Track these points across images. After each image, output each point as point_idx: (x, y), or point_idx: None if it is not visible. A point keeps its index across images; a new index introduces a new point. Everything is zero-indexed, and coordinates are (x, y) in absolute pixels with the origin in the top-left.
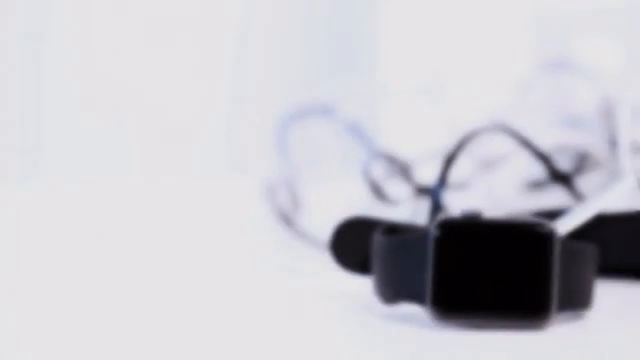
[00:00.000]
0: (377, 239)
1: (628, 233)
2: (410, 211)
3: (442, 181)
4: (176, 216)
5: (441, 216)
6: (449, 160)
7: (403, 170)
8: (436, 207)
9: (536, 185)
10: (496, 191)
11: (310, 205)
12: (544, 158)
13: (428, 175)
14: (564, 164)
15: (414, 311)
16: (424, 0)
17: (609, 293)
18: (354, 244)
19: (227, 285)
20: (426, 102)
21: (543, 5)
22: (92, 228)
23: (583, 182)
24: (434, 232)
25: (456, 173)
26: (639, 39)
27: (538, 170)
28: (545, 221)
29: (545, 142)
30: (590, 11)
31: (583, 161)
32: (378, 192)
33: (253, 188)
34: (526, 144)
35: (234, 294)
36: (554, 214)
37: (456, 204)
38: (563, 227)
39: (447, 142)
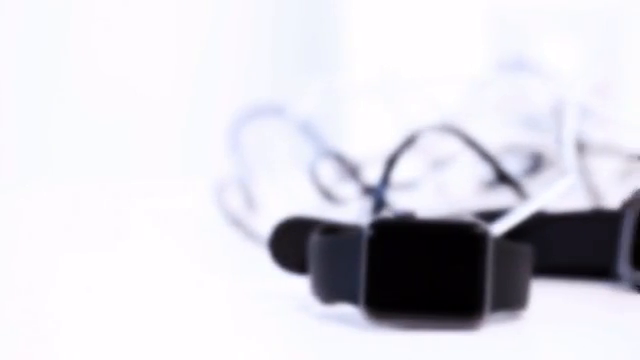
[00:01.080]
0: (313, 239)
1: (570, 233)
2: (358, 211)
3: (384, 181)
4: (127, 217)
5: (376, 216)
6: (391, 160)
7: (351, 170)
8: (378, 206)
9: (490, 185)
10: (448, 190)
11: (264, 205)
12: (490, 159)
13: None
14: (519, 164)
15: (351, 311)
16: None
17: (547, 293)
18: (293, 244)
19: (168, 284)
20: (381, 102)
21: (501, 5)
22: (43, 230)
23: (537, 182)
24: (367, 232)
25: (407, 172)
26: (596, 40)
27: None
28: (479, 221)
29: (499, 142)
30: (548, 12)
31: (537, 161)
32: (324, 192)
33: (206, 189)
34: (472, 145)
35: (174, 293)
36: (499, 214)
37: (405, 203)
38: (499, 227)
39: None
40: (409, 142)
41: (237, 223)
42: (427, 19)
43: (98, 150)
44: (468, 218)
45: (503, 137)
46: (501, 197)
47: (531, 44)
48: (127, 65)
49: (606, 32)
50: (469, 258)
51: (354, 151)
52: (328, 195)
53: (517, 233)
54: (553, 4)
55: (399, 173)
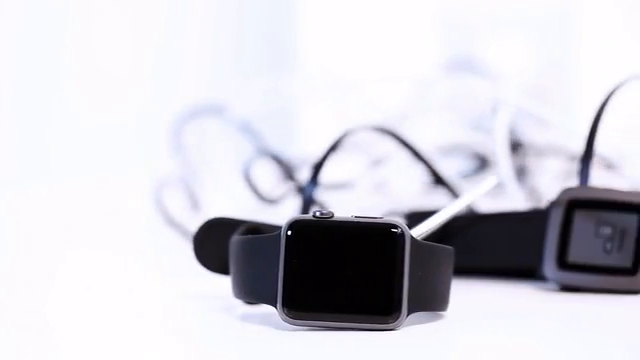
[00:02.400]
0: (233, 240)
1: (498, 233)
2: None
3: (313, 181)
4: (67, 217)
5: (294, 216)
6: (320, 161)
7: (287, 170)
8: (307, 206)
9: (433, 185)
10: (389, 191)
11: (207, 205)
12: (423, 160)
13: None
14: (465, 164)
15: (274, 311)
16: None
17: (470, 292)
18: (216, 245)
19: (99, 283)
20: (326, 102)
21: (451, 6)
22: None
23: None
24: (284, 232)
25: (348, 173)
26: (544, 40)
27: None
28: (397, 221)
29: (444, 142)
30: (497, 12)
31: (483, 162)
32: (257, 193)
33: (149, 189)
34: (406, 146)
35: (100, 293)
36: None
37: (340, 203)
38: (422, 228)
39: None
40: (337, 143)
41: (174, 223)
42: (377, 19)
43: (37, 152)
44: (387, 218)
45: (448, 137)
46: (443, 197)
47: (480, 44)
48: (69, 66)
49: (555, 32)
50: (387, 258)
51: (299, 151)
52: (261, 196)
53: (448, 233)
54: (502, 5)
55: (339, 173)
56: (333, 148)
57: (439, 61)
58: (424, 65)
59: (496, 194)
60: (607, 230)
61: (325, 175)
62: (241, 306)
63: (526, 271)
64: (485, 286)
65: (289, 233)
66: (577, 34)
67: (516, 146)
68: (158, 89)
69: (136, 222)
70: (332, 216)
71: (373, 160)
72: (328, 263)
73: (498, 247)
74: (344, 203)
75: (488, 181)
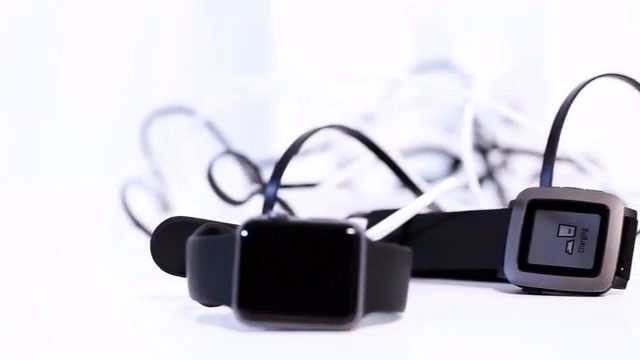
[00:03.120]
0: (189, 240)
1: (461, 233)
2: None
3: (274, 180)
4: (32, 220)
5: (249, 217)
6: (282, 161)
7: (253, 170)
8: (268, 206)
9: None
10: (358, 191)
11: (177, 206)
12: (388, 161)
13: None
14: (439, 165)
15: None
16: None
17: (430, 293)
18: (173, 246)
19: (55, 285)
20: (298, 101)
21: (426, 5)
22: None
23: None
24: (239, 233)
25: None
26: (518, 41)
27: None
28: (353, 222)
29: (416, 142)
30: (472, 12)
31: (457, 162)
32: (220, 193)
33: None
34: (370, 146)
35: (58, 294)
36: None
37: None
38: (379, 229)
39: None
40: (299, 143)
41: (140, 225)
42: (350, 19)
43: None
44: (343, 219)
45: (420, 138)
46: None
47: (453, 44)
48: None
49: (528, 32)
50: (342, 259)
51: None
52: (224, 197)
53: (410, 234)
54: (475, 5)
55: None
56: (294, 148)
57: (411, 61)
58: (396, 65)
59: (467, 196)
60: (568, 231)
61: (293, 175)
62: (199, 308)
63: (488, 272)
64: (445, 287)
65: (244, 234)
66: (550, 34)
67: (488, 147)
68: (126, 89)
69: (103, 224)
70: (287, 217)
71: (341, 160)
72: (283, 264)
73: (459, 248)
74: (310, 203)
75: (447, 182)
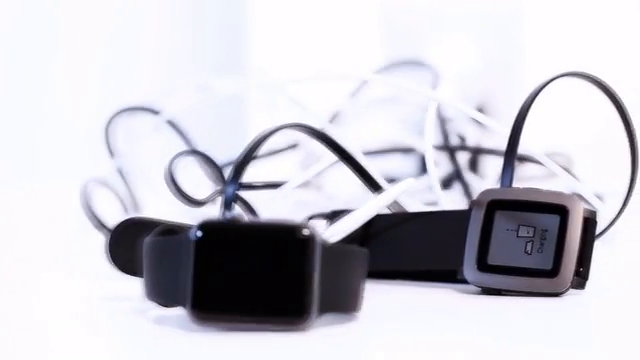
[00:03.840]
0: (145, 241)
1: (421, 234)
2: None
3: (234, 180)
4: None
5: (203, 218)
6: (242, 161)
7: (217, 170)
8: (227, 206)
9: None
10: (327, 191)
11: (144, 207)
12: (352, 161)
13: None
14: (408, 166)
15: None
16: None
17: (388, 294)
18: (132, 246)
19: (12, 286)
20: (264, 101)
21: (397, 4)
22: None
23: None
24: (193, 234)
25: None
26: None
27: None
28: (306, 224)
29: (387, 142)
30: (443, 11)
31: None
32: (181, 193)
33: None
34: (332, 146)
35: (14, 295)
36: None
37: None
38: (335, 230)
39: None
40: (259, 143)
41: (103, 225)
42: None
43: None
44: (297, 221)
45: (388, 138)
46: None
47: (423, 44)
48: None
49: (499, 32)
50: (295, 260)
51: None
52: (185, 197)
53: (371, 234)
54: (449, 4)
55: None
56: (254, 148)
57: (382, 60)
58: (367, 64)
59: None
60: (528, 231)
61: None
62: (155, 308)
63: (448, 273)
64: (403, 288)
65: (197, 235)
66: (521, 33)
67: (455, 147)
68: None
69: (66, 225)
70: (242, 219)
71: (308, 160)
72: (237, 265)
73: (419, 249)
74: (276, 203)
75: (405, 182)
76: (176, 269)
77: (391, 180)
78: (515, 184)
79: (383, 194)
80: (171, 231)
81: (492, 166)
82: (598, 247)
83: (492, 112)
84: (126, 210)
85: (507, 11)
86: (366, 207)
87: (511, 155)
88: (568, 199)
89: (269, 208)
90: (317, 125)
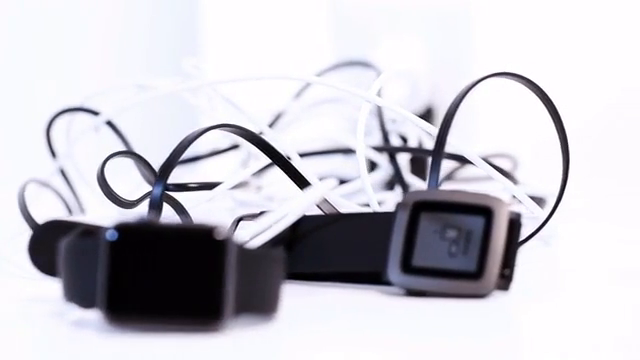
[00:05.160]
0: (63, 243)
1: (346, 236)
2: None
3: (160, 182)
4: None
5: (118, 220)
6: (168, 163)
7: (148, 170)
8: (153, 208)
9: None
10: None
11: (84, 209)
12: (281, 162)
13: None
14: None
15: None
16: None
17: (307, 296)
18: (51, 247)
19: None
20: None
21: (347, 4)
22: None
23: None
24: (108, 235)
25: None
26: (440, 40)
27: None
28: (222, 226)
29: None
30: (394, 11)
31: (372, 165)
32: (111, 194)
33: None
34: (262, 147)
35: None
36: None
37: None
38: (252, 230)
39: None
40: (186, 145)
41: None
42: (268, 18)
43: None
44: (214, 223)
45: (330, 138)
46: None
47: (375, 42)
48: None
49: (451, 31)
50: (209, 262)
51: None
52: (115, 198)
53: (298, 235)
54: (399, 3)
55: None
56: (180, 149)
57: (331, 60)
58: (315, 64)
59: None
60: (453, 233)
61: (194, 176)
62: (74, 311)
63: (374, 275)
64: (327, 290)
65: (111, 237)
66: (470, 33)
67: (396, 149)
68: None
69: (5, 228)
70: (157, 220)
71: (247, 160)
72: (152, 267)
73: (345, 250)
74: (207, 204)
75: (324, 184)
76: (91, 271)
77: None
78: (455, 185)
79: (301, 196)
80: (90, 232)
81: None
82: (537, 248)
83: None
84: (70, 211)
85: (457, 10)
86: (280, 209)
87: (438, 156)
88: (493, 201)
89: (204, 209)
90: (256, 126)
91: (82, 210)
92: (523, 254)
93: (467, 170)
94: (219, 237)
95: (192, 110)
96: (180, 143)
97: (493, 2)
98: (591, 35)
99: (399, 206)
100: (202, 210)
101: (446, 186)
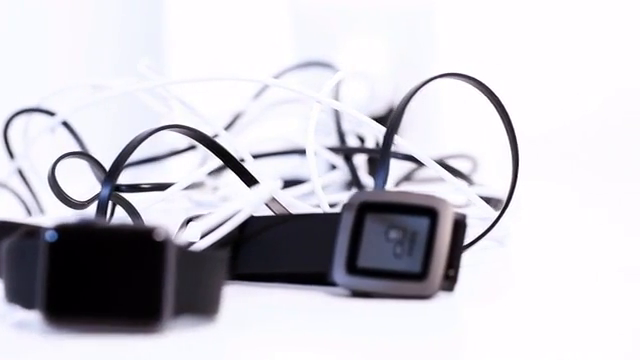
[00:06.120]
0: (3, 244)
1: (292, 237)
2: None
3: (108, 182)
4: None
5: (58, 221)
6: (116, 164)
7: (100, 171)
8: (100, 209)
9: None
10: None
11: (39, 211)
12: (233, 162)
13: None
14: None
15: None
16: None
17: (250, 297)
18: None
19: None
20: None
21: (309, 4)
22: None
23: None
24: (47, 236)
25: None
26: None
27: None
28: (161, 227)
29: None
30: (356, 11)
31: (333, 167)
32: (61, 195)
33: None
34: (213, 148)
35: None
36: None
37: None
38: (194, 232)
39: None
40: (135, 144)
41: None
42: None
43: None
44: (154, 224)
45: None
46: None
47: (337, 43)
48: None
49: (413, 31)
50: (147, 263)
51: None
52: (64, 199)
53: (247, 236)
54: (361, 4)
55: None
56: (129, 150)
57: (293, 61)
58: (276, 65)
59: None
60: (398, 234)
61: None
62: (17, 311)
63: (320, 276)
64: (272, 290)
65: (49, 238)
66: (433, 34)
67: (352, 151)
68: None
69: None
70: (97, 221)
71: (202, 161)
72: (91, 268)
73: (292, 251)
74: (161, 205)
75: (269, 183)
76: (34, 271)
77: (290, 182)
78: (413, 186)
79: (245, 196)
80: (33, 233)
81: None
82: (491, 249)
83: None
84: (29, 212)
85: (419, 10)
86: (224, 209)
87: (385, 157)
88: (438, 202)
89: (160, 210)
90: (211, 127)
91: (41, 211)
92: (476, 255)
93: (426, 171)
94: (158, 238)
95: (153, 112)
96: (129, 144)
97: (455, 2)
98: (551, 35)
99: (345, 207)
100: (157, 211)
101: (404, 187)
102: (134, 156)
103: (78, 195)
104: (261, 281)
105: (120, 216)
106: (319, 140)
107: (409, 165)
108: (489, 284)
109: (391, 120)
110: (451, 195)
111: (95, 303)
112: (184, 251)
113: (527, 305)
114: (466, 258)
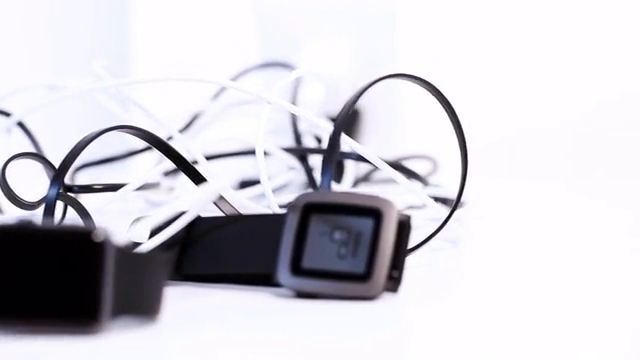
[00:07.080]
0: None
1: (238, 238)
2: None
3: (55, 183)
4: None
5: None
6: (64, 162)
7: (52, 171)
8: (47, 210)
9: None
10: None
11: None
12: (183, 162)
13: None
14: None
15: None
16: None
17: (193, 298)
18: None
19: None
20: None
21: (273, 5)
22: None
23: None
24: None
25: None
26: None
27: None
28: (100, 228)
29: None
30: (321, 12)
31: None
32: (10, 195)
33: None
34: (162, 148)
35: None
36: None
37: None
38: (137, 233)
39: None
40: (83, 145)
41: None
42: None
43: None
44: (94, 225)
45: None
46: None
47: (300, 44)
48: None
49: (376, 33)
50: (86, 264)
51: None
52: (15, 200)
53: (194, 236)
54: (324, 5)
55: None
56: (76, 151)
57: (255, 62)
58: (237, 65)
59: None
60: (342, 235)
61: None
62: None
63: (266, 277)
64: (216, 291)
65: None
66: (394, 35)
67: (304, 150)
68: None
69: None
70: (34, 223)
71: (158, 161)
72: (30, 268)
73: (238, 252)
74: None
75: (215, 183)
76: None
77: (248, 183)
78: (370, 187)
79: (189, 196)
80: None
81: (349, 168)
82: (443, 250)
83: (367, 113)
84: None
85: (381, 12)
86: (168, 208)
87: (330, 157)
88: (382, 203)
89: (113, 210)
90: (164, 128)
91: (1, 211)
92: (427, 255)
93: (384, 172)
94: (97, 239)
95: (112, 113)
96: (77, 144)
97: (418, 3)
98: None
99: (290, 208)
100: (112, 211)
101: (362, 188)
102: (94, 156)
103: (34, 196)
104: (208, 282)
105: (72, 217)
106: (277, 141)
107: (369, 166)
108: (436, 285)
109: (337, 121)
110: (404, 196)
111: (34, 304)
112: (124, 252)
113: (471, 305)
114: (417, 259)
